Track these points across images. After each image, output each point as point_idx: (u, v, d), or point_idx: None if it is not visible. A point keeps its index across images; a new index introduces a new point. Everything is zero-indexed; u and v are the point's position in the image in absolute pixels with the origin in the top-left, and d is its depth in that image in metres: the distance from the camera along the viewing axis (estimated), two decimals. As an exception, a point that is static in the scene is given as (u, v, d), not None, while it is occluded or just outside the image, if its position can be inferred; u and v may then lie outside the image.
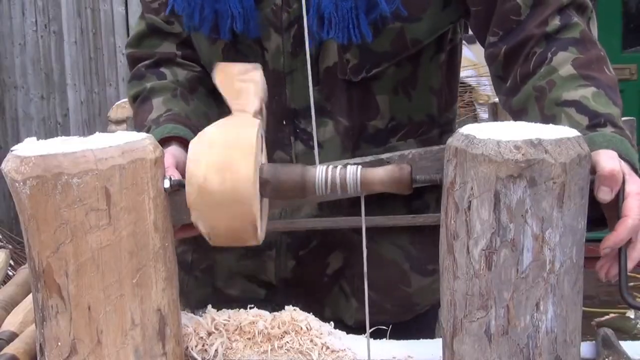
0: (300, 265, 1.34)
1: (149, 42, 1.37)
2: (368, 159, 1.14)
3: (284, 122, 1.28)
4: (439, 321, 1.06)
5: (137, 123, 1.28)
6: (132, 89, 1.34)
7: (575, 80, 1.09)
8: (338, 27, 1.17)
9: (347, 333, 1.11)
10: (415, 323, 1.38)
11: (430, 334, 1.46)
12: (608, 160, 0.92)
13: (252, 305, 1.11)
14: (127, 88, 1.37)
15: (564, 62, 1.11)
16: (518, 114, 1.15)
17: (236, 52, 1.27)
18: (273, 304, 1.32)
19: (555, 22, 1.14)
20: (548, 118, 1.08)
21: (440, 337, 0.95)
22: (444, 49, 1.31)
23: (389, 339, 1.11)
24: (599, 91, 1.07)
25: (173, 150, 1.14)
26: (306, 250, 1.33)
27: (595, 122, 1.04)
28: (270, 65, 1.25)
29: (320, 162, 1.18)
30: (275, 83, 1.25)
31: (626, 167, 0.95)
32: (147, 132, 1.21)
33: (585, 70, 1.10)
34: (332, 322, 1.12)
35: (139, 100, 1.31)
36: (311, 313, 1.12)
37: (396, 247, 1.34)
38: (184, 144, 1.16)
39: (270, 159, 1.26)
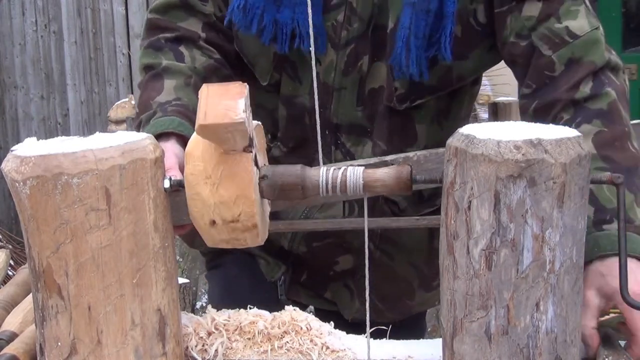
0: (310, 254, 1.37)
1: (176, 13, 1.33)
2: (372, 160, 1.15)
3: (327, 132, 1.30)
4: (440, 321, 1.06)
5: (143, 98, 1.26)
6: (146, 57, 1.31)
7: (594, 161, 1.07)
8: (414, 63, 1.21)
9: (343, 326, 1.13)
10: (411, 321, 1.47)
11: (421, 333, 1.57)
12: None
13: (251, 307, 1.11)
14: (141, 53, 1.33)
15: (586, 136, 1.09)
16: None
17: (286, 59, 1.29)
18: (284, 262, 1.40)
19: (586, 89, 1.14)
20: None
21: (437, 336, 0.95)
22: (478, 81, 1.37)
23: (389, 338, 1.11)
24: None
25: (175, 150, 1.13)
26: (320, 243, 1.36)
27: (600, 217, 1.03)
28: (321, 79, 1.27)
29: None
30: (323, 96, 1.27)
31: None
32: (153, 114, 1.20)
33: (606, 150, 1.09)
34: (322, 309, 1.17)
35: (151, 74, 1.28)
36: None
37: (411, 266, 1.40)
38: (184, 140, 1.15)
39: (314, 159, 1.26)
